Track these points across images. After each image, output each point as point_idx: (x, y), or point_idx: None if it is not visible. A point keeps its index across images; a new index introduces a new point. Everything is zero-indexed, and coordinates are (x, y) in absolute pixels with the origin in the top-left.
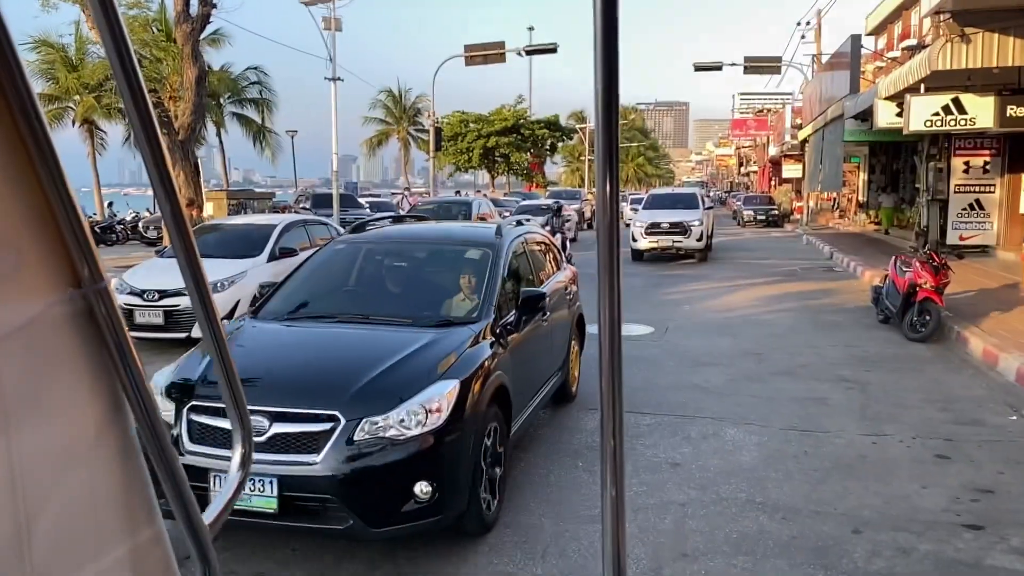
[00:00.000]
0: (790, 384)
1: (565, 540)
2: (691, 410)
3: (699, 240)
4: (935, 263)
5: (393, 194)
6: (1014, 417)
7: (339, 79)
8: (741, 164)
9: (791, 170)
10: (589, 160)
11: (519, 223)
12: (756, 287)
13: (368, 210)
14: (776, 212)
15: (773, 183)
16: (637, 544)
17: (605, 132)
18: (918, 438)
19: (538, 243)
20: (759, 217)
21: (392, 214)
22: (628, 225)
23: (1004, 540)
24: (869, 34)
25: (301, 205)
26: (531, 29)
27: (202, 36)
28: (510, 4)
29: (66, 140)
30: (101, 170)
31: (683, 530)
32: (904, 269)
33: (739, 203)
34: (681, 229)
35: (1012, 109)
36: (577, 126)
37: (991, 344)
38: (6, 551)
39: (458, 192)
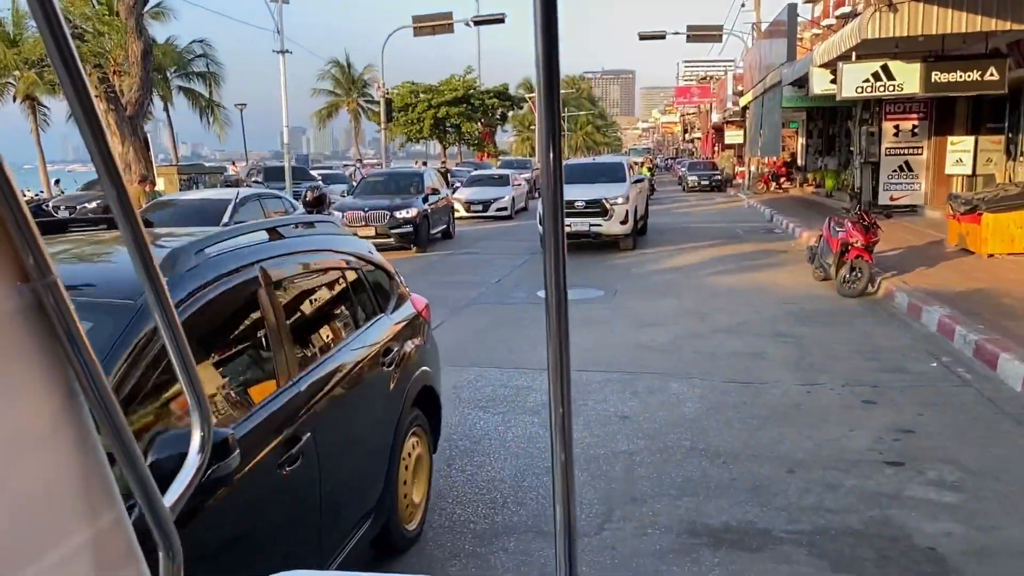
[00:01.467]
0: (731, 340)
1: (523, 491)
2: (638, 367)
3: (623, 222)
4: (866, 223)
5: (345, 165)
6: (934, 364)
7: (287, 51)
8: (686, 131)
9: (733, 136)
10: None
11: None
12: (700, 250)
13: (321, 182)
14: (719, 177)
15: (716, 149)
16: (589, 490)
17: (547, 99)
18: (847, 386)
19: (325, 270)
20: (703, 182)
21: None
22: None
23: (921, 474)
24: (807, 2)
25: (253, 179)
26: None
27: (145, 9)
28: None
29: (7, 116)
30: (45, 146)
31: (632, 476)
32: (837, 229)
33: (684, 169)
34: (600, 209)
35: (936, 75)
36: (526, 95)
37: (916, 298)
38: None
39: (424, 163)
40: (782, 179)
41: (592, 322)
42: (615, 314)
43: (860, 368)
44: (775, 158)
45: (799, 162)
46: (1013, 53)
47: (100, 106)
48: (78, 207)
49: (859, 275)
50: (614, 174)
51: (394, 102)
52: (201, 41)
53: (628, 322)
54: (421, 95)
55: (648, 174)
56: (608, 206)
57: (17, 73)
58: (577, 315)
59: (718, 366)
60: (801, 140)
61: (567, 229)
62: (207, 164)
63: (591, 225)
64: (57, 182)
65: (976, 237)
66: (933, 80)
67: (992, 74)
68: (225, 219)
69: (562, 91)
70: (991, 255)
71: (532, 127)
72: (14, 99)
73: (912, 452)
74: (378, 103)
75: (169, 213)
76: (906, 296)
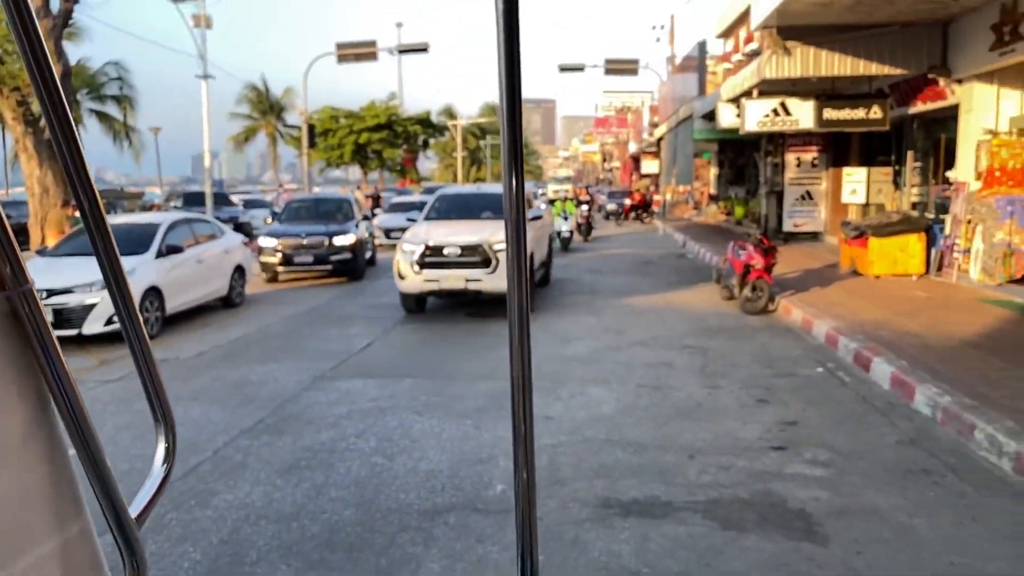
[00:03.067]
0: (644, 352)
1: (460, 479)
2: (562, 376)
3: None
4: (765, 246)
5: (264, 191)
6: (820, 369)
7: (210, 76)
8: (605, 160)
9: (649, 166)
10: (461, 156)
11: None
12: (617, 274)
13: (241, 207)
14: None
15: (634, 178)
16: None
17: (509, 126)
18: (744, 388)
19: None
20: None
21: None
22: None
23: (799, 455)
24: (719, 36)
25: (172, 204)
26: (399, 26)
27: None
28: (380, 2)
29: None
30: None
31: (555, 464)
32: (740, 252)
33: (604, 197)
34: (480, 258)
35: (828, 112)
36: (448, 122)
37: (808, 313)
38: None
39: (359, 188)
40: (641, 211)
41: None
42: (539, 330)
43: (756, 374)
44: (636, 192)
45: (711, 191)
46: (894, 94)
47: (18, 128)
48: None
49: (760, 294)
50: (501, 208)
51: (315, 127)
52: (116, 64)
53: (551, 337)
54: (342, 120)
55: (572, 211)
56: (492, 253)
57: None
58: (502, 332)
59: (632, 374)
60: (713, 170)
61: (435, 285)
62: (127, 189)
63: (468, 280)
64: None
65: (864, 260)
66: (825, 117)
67: (876, 112)
68: (157, 241)
69: (482, 119)
70: (877, 276)
71: (454, 153)
72: None
73: (794, 439)
74: (296, 128)
75: None
76: (800, 312)
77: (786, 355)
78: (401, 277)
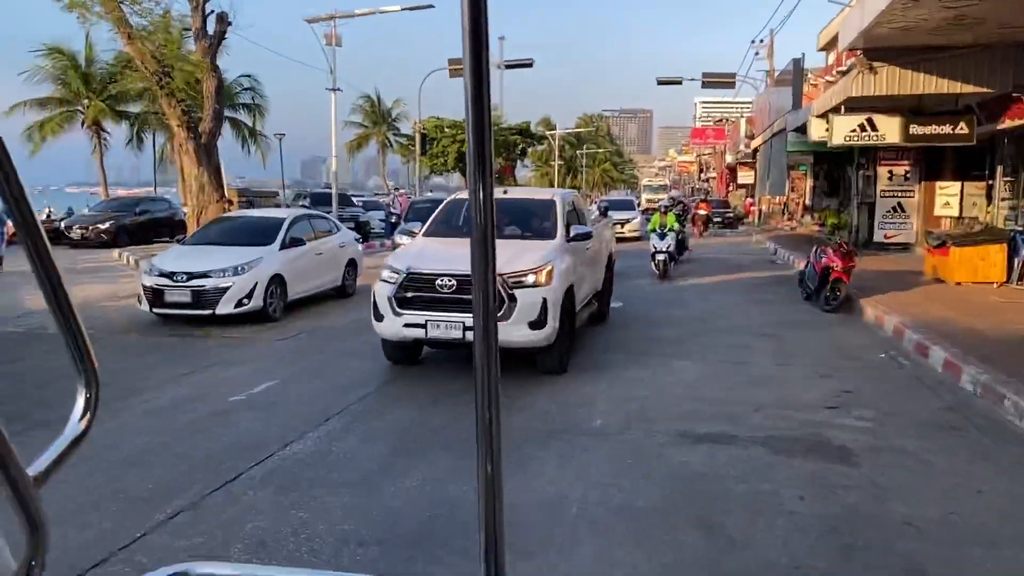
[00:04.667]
0: (725, 337)
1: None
2: (650, 352)
3: (536, 323)
4: (844, 250)
5: (376, 194)
6: (883, 355)
7: (338, 90)
8: (701, 170)
9: (745, 176)
10: (559, 164)
11: None
12: (707, 275)
13: (362, 208)
14: (732, 215)
15: (730, 188)
16: (613, 415)
17: (477, 132)
18: (811, 366)
19: None
20: (716, 220)
21: None
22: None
23: (848, 413)
24: (821, 49)
25: (300, 203)
26: (502, 39)
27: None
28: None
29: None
30: (72, 169)
31: (643, 408)
32: (821, 256)
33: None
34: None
35: (914, 128)
36: (547, 132)
37: (881, 311)
38: None
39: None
40: (712, 222)
41: (612, 324)
42: (631, 318)
43: (825, 356)
44: (702, 202)
45: (806, 202)
46: (982, 111)
47: (182, 133)
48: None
49: (837, 294)
50: (538, 223)
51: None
52: (248, 76)
53: (642, 324)
54: (447, 129)
55: (673, 225)
56: (508, 290)
57: (85, 101)
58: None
59: (713, 352)
60: (809, 182)
61: (419, 332)
62: (265, 190)
63: (468, 328)
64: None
65: (945, 268)
66: (911, 132)
67: (962, 128)
68: (282, 234)
69: (580, 128)
70: (958, 283)
71: (550, 163)
72: (82, 124)
73: (847, 402)
74: (404, 136)
75: (232, 225)
76: (874, 310)
77: (855, 344)
78: (377, 317)
